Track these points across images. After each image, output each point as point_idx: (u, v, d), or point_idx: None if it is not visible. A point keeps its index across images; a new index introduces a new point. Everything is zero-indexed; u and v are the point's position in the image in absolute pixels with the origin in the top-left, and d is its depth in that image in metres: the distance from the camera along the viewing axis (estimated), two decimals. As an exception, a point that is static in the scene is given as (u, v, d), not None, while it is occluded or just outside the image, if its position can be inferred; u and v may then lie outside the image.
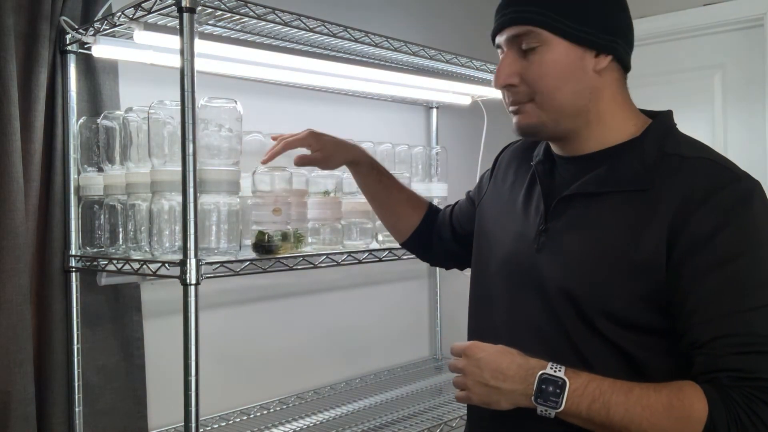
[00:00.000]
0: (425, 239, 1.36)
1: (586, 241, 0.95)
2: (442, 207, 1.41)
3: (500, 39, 0.98)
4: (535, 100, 0.96)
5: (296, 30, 1.40)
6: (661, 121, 0.98)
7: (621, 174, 0.94)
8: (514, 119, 1.00)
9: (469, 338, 1.13)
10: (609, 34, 0.95)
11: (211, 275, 1.25)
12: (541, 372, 0.89)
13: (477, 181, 1.29)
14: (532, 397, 0.89)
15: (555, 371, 0.89)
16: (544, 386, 0.88)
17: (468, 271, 1.46)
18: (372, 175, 1.34)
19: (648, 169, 0.92)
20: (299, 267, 1.43)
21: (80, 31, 1.39)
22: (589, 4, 0.95)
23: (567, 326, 0.94)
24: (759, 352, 0.83)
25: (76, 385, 1.43)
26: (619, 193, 0.93)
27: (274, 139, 1.38)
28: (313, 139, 1.30)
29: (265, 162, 1.35)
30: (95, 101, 1.50)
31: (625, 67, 0.99)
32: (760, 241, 0.86)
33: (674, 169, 0.90)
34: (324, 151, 1.30)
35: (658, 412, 0.83)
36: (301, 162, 1.31)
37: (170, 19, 1.29)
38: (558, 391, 0.87)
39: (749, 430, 0.81)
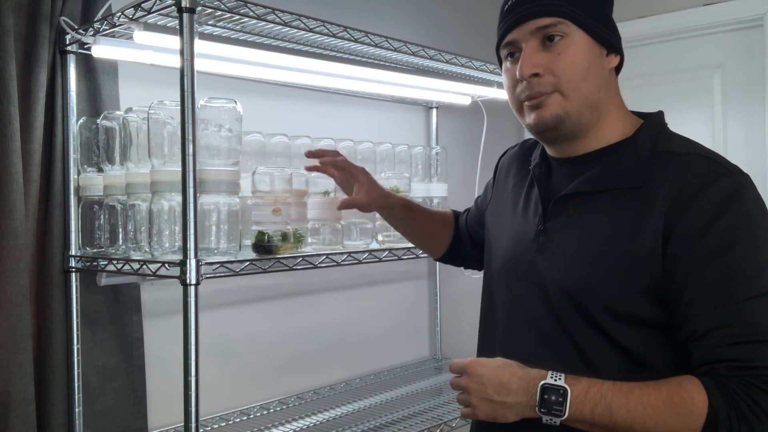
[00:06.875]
0: (456, 250, 1.39)
1: (584, 239, 0.96)
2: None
3: (519, 32, 0.97)
4: (560, 90, 0.95)
5: (296, 30, 1.40)
6: (653, 121, 1.01)
7: (616, 172, 0.96)
8: (533, 115, 0.98)
9: (479, 342, 1.15)
10: (617, 36, 1.00)
11: (211, 275, 1.25)
12: (542, 382, 0.90)
13: (476, 185, 1.30)
14: (536, 408, 0.90)
15: (555, 380, 0.90)
16: (546, 396, 0.89)
17: (468, 271, 1.48)
18: (406, 213, 1.35)
19: (641, 167, 0.94)
20: (299, 267, 1.43)
21: (80, 31, 1.39)
22: (604, 5, 0.99)
23: (568, 325, 0.95)
24: (755, 341, 0.84)
25: (76, 385, 1.43)
26: (614, 191, 0.95)
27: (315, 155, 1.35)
28: (363, 176, 1.29)
29: (311, 155, 1.33)
30: (95, 101, 1.50)
31: (618, 70, 1.03)
32: (751, 231, 0.87)
33: (666, 166, 0.92)
34: (369, 194, 1.28)
35: (660, 410, 0.85)
36: (347, 205, 1.29)
37: (170, 19, 1.29)
38: (561, 399, 0.88)
39: (749, 418, 0.82)
